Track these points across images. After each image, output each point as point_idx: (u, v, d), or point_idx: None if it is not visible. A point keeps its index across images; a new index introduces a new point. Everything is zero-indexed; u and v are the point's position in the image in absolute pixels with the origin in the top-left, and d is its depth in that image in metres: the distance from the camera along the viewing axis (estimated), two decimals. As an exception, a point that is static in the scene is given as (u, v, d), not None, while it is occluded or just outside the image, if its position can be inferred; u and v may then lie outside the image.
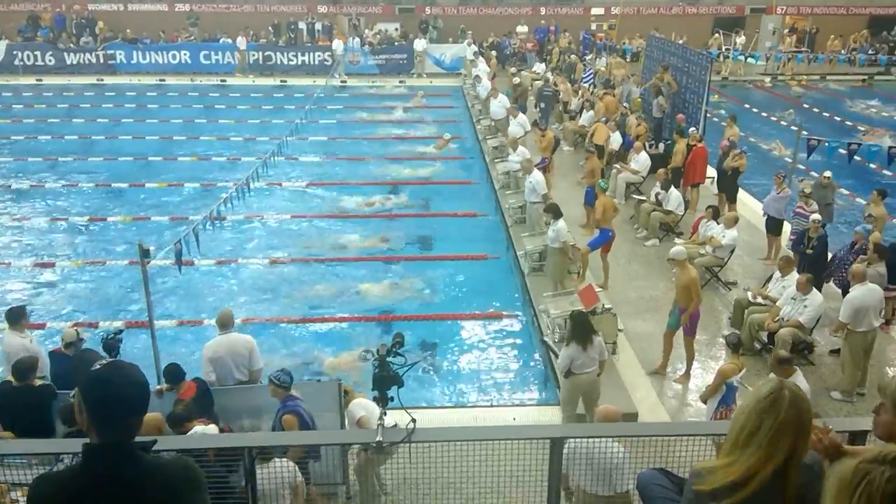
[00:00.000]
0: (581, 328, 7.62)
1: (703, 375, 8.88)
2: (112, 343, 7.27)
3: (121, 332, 7.86)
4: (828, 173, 12.25)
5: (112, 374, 2.28)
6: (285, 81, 27.53)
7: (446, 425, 7.13)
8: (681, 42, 20.96)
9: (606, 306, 9.40)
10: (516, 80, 22.36)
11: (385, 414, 3.76)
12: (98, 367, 2.28)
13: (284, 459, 5.17)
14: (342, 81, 27.36)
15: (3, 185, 16.40)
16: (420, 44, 28.61)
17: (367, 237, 13.84)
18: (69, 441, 5.48)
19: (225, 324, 7.28)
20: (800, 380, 6.53)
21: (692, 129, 14.93)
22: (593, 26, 31.77)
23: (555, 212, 10.68)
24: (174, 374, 6.74)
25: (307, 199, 15.94)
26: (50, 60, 27.66)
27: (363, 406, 6.37)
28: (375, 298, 11.52)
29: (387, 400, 3.82)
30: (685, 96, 16.75)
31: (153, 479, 2.23)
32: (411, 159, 18.55)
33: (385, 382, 3.79)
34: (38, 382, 7.02)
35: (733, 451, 2.28)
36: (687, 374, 8.81)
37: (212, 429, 5.27)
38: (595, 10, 32.33)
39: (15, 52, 27.52)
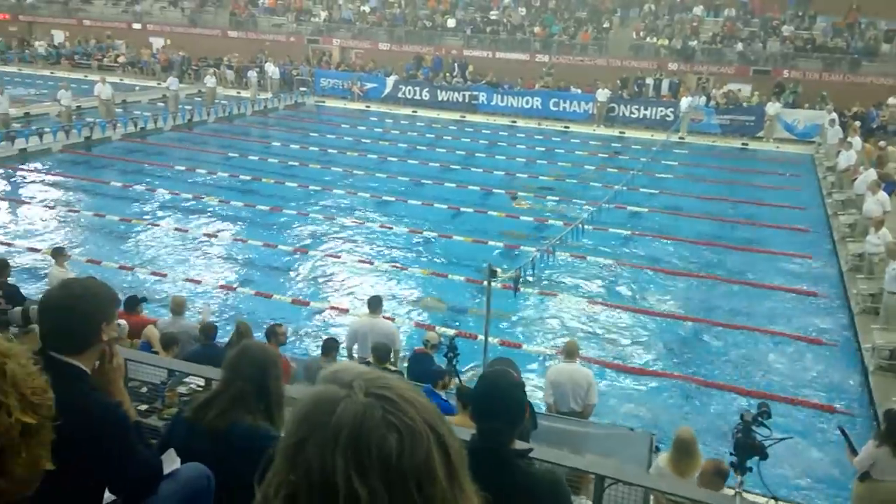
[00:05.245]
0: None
1: None
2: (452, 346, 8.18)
3: (454, 338, 8.80)
4: None
5: (498, 373, 2.77)
6: (623, 132, 28.19)
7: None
8: None
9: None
10: (882, 154, 19.95)
11: (743, 482, 3.76)
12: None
13: (582, 497, 5.22)
14: (680, 137, 27.08)
15: (375, 195, 19.38)
16: (773, 107, 27.06)
17: (686, 296, 13.61)
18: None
19: (571, 353, 7.90)
20: None
21: None
22: None
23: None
24: None
25: (630, 247, 16.16)
26: (425, 96, 32.08)
27: None
28: (683, 358, 11.35)
29: (745, 470, 3.82)
30: None
31: (524, 490, 2.29)
32: (738, 223, 17.95)
33: (747, 450, 3.80)
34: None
35: None
36: None
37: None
38: None
39: (399, 87, 32.54)
